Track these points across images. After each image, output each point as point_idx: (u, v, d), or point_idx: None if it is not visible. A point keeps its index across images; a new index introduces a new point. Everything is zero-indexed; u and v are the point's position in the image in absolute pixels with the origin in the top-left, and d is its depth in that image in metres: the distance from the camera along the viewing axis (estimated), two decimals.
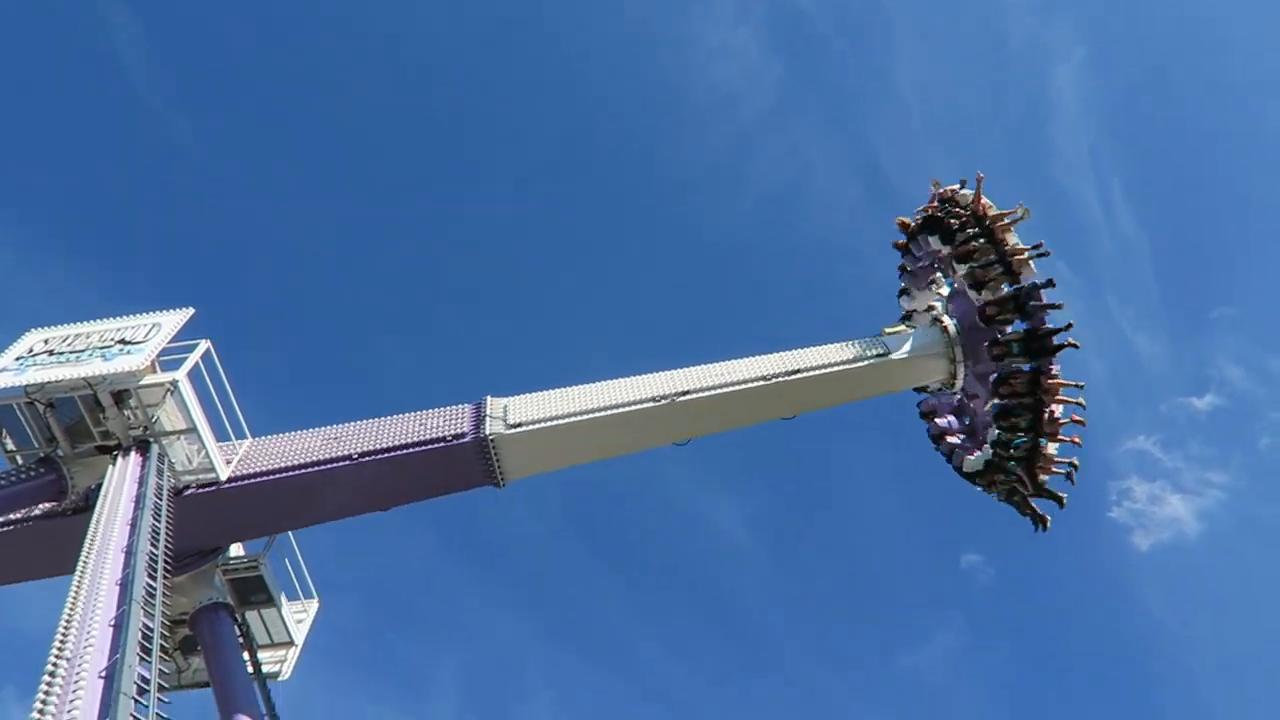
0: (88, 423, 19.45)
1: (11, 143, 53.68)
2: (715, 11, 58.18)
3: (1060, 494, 20.21)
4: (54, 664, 11.58)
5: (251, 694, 19.97)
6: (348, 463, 20.15)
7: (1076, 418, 20.16)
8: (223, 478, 20.06)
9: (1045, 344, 19.76)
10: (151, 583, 13.67)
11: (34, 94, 53.81)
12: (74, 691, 10.96)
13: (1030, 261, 20.10)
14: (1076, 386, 20.02)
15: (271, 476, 20.27)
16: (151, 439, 19.28)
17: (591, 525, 55.50)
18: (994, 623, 55.64)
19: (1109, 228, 56.31)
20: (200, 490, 20.05)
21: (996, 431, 20.12)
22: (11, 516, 19.79)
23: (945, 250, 21.10)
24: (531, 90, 58.26)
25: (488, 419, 20.45)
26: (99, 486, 18.15)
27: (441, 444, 20.23)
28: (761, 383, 20.57)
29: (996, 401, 20.08)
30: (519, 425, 20.29)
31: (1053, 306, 19.88)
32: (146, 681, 11.31)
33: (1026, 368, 19.90)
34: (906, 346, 21.36)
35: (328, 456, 20.39)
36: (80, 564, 14.32)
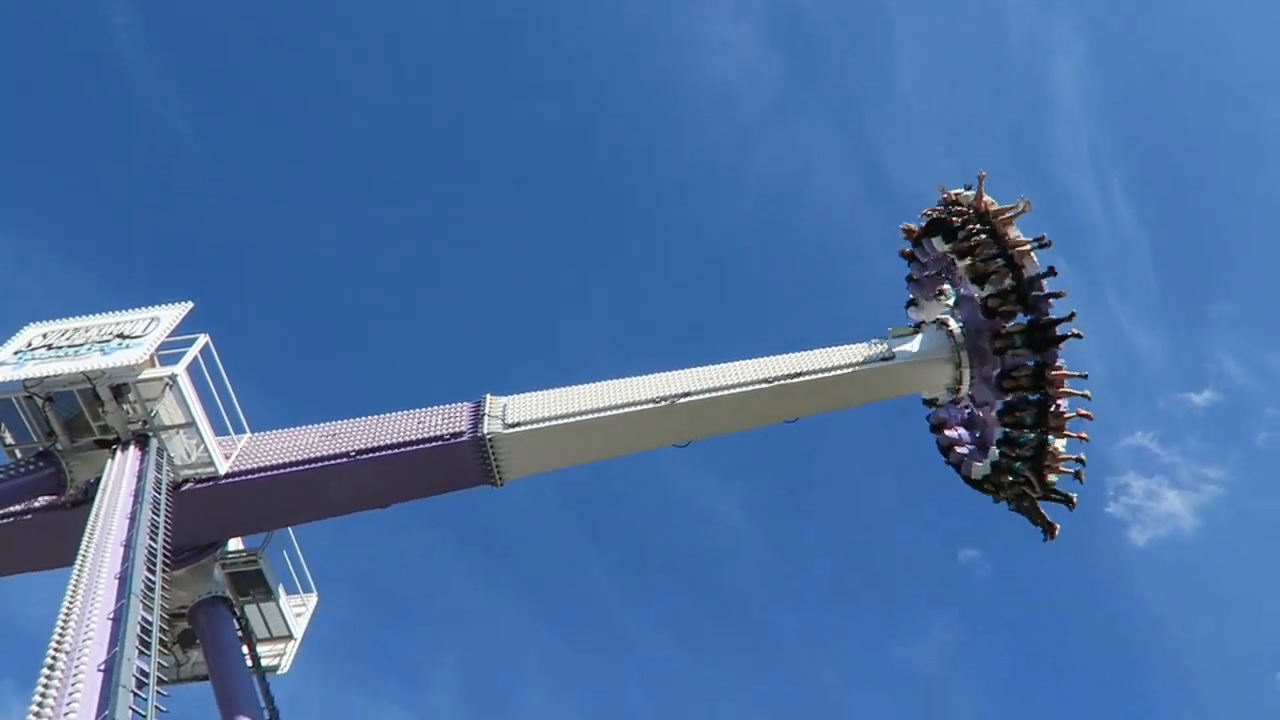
0: (86, 417, 19.46)
1: (11, 138, 53.66)
2: (715, 8, 58.16)
3: (1069, 494, 19.79)
4: (53, 657, 11.62)
5: (250, 687, 20.01)
6: (345, 460, 20.10)
7: (1083, 412, 19.78)
8: (221, 472, 20.07)
9: (1048, 334, 19.40)
10: (150, 576, 13.71)
11: (33, 89, 53.81)
12: (73, 684, 10.99)
13: (1032, 253, 19.72)
14: (1080, 377, 19.55)
15: (269, 473, 20.26)
16: (150, 433, 19.30)
17: (589, 514, 55.61)
18: (990, 617, 55.80)
19: (1108, 224, 56.36)
20: (199, 485, 20.08)
21: (1002, 430, 19.72)
22: (10, 509, 19.80)
23: (948, 248, 20.71)
24: (530, 86, 58.25)
25: (486, 418, 20.32)
26: (98, 480, 18.18)
27: (439, 443, 20.15)
28: (763, 386, 20.28)
29: (1002, 399, 19.74)
30: (517, 425, 20.16)
31: (1055, 295, 19.53)
32: (145, 674, 11.34)
33: (1031, 362, 19.55)
34: (911, 351, 20.94)
35: (325, 454, 20.34)
36: (79, 557, 14.36)
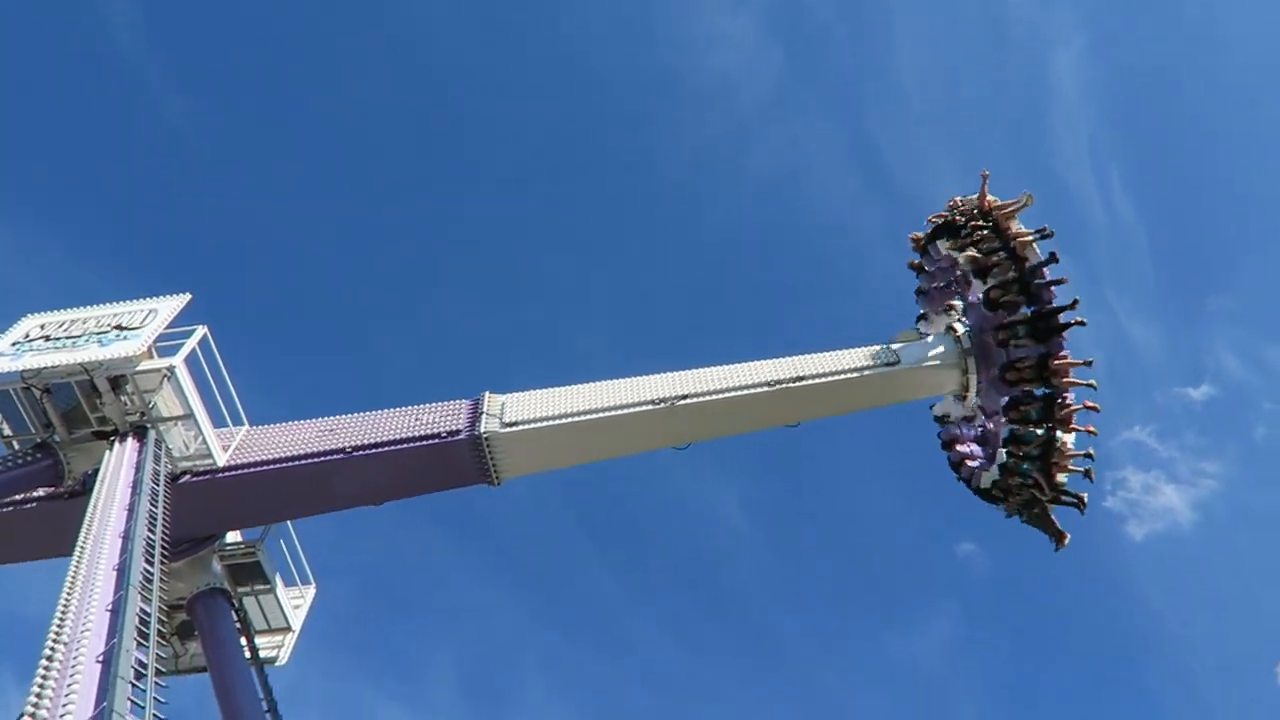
0: (84, 408, 19.43)
1: (9, 128, 53.52)
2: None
3: (1080, 495, 19.38)
4: (51, 648, 11.59)
5: (249, 679, 20.05)
6: (341, 456, 19.95)
7: (1090, 404, 19.35)
8: (220, 464, 20.06)
9: (1051, 323, 19.07)
10: (149, 568, 13.69)
11: (32, 82, 53.65)
12: (71, 675, 10.97)
13: (1034, 244, 19.54)
14: (1085, 365, 19.16)
15: (265, 467, 20.18)
16: (148, 425, 19.27)
17: (587, 509, 55.59)
18: (988, 611, 55.89)
19: (1107, 217, 56.33)
20: (196, 478, 20.06)
21: (1009, 428, 19.37)
22: (8, 499, 19.79)
23: (951, 244, 20.58)
24: (528, 79, 58.09)
25: (484, 416, 20.07)
26: (96, 472, 18.16)
27: (435, 441, 19.92)
28: (765, 389, 19.94)
29: (1007, 394, 19.40)
30: (515, 424, 19.88)
31: (1057, 282, 19.24)
32: (144, 666, 11.33)
33: (1034, 352, 19.17)
34: (917, 356, 20.55)
35: (321, 449, 20.20)
36: (77, 549, 14.34)
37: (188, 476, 19.98)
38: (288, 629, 23.12)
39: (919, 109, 57.69)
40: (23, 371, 19.14)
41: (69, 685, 10.82)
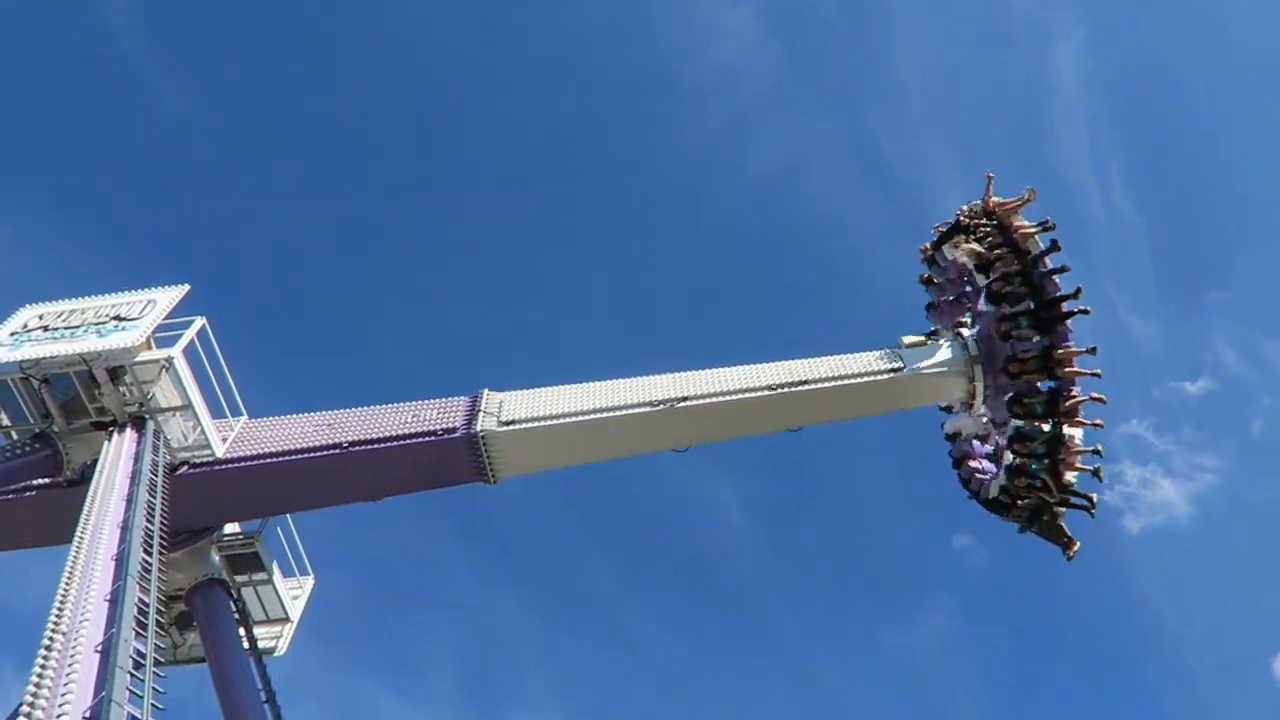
0: (83, 399, 19.46)
1: (7, 118, 53.39)
2: None
3: (1089, 496, 18.85)
4: (50, 638, 11.63)
5: (247, 669, 20.10)
6: (337, 452, 19.86)
7: (1095, 395, 18.83)
8: (218, 454, 20.06)
9: (1055, 311, 18.63)
10: (147, 558, 13.71)
11: (30, 71, 53.49)
12: (70, 665, 11.01)
13: (1036, 236, 19.25)
14: (1089, 352, 18.65)
15: (263, 461, 20.14)
16: (147, 415, 19.29)
17: (587, 505, 55.66)
18: (985, 604, 56.02)
19: (1107, 211, 56.26)
20: (194, 469, 20.07)
21: (1014, 427, 18.92)
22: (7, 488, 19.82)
23: (955, 240, 20.28)
24: (526, 72, 57.94)
25: (481, 414, 19.86)
26: (94, 462, 18.18)
27: (431, 438, 19.77)
28: (766, 393, 19.53)
29: (1011, 389, 19.01)
30: (512, 423, 19.68)
31: (1059, 271, 18.86)
32: (142, 656, 11.35)
33: (1039, 342, 18.78)
34: (923, 362, 20.02)
35: (317, 444, 20.12)
36: (76, 539, 14.37)
37: (186, 468, 20.00)
38: (286, 620, 23.16)
39: (919, 104, 57.62)
40: (21, 362, 19.16)
41: (68, 675, 10.86)
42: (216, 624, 20.65)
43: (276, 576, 22.85)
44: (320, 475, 20.32)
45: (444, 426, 19.90)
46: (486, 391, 20.59)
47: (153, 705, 10.72)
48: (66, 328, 19.89)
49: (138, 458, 17.47)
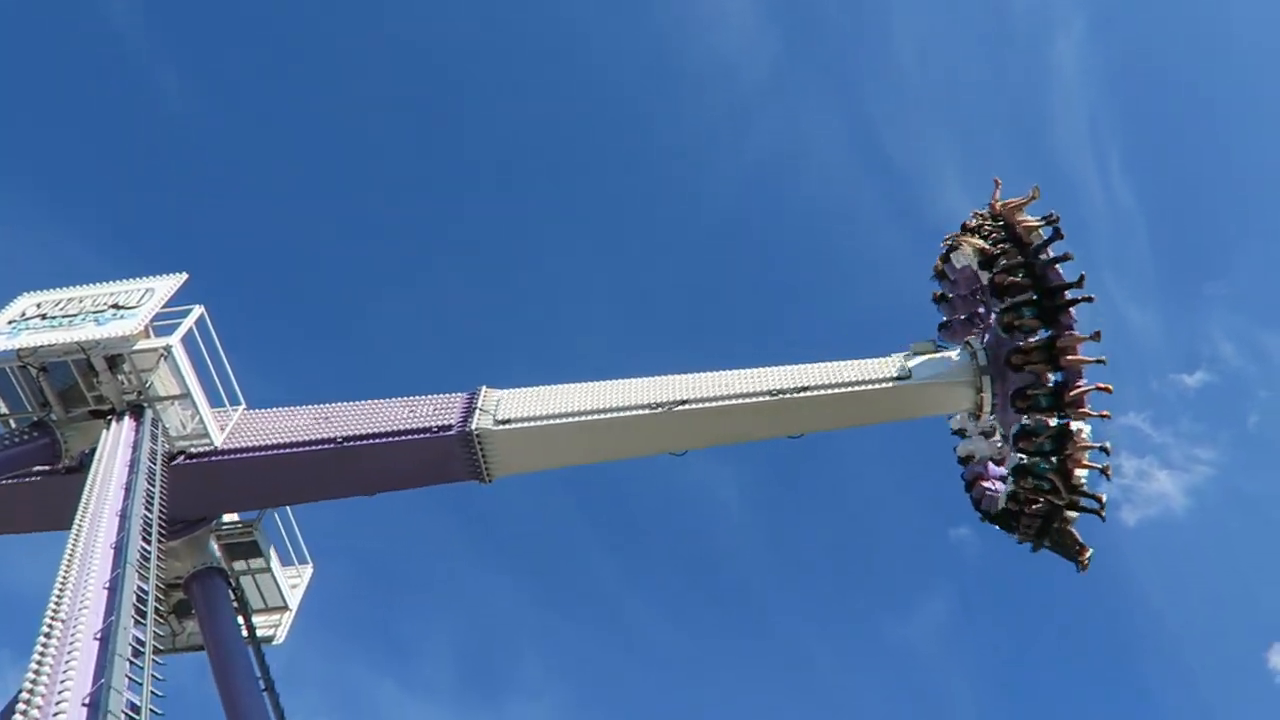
0: (81, 387, 19.47)
1: (6, 107, 53.21)
2: None
3: (1099, 497, 18.17)
4: (49, 625, 11.65)
5: (246, 658, 20.17)
6: (332, 447, 19.77)
7: (1102, 385, 18.18)
8: (217, 443, 20.06)
9: (1058, 299, 18.09)
10: (146, 546, 13.72)
11: (28, 59, 53.29)
12: (69, 653, 11.02)
13: (1039, 229, 18.84)
14: (1093, 339, 17.97)
15: (258, 454, 20.10)
16: (145, 404, 19.29)
17: (585, 492, 55.70)
18: (982, 594, 56.15)
19: (1106, 201, 56.14)
20: (191, 459, 20.06)
21: (1019, 424, 18.28)
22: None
23: (959, 236, 19.81)
24: (523, 64, 57.75)
25: (478, 412, 19.64)
26: (93, 451, 18.19)
27: (426, 435, 19.62)
28: (767, 399, 19.06)
29: (1015, 384, 18.44)
30: (508, 422, 19.46)
31: (1062, 259, 18.24)
32: (141, 644, 11.37)
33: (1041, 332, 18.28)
34: (930, 371, 19.44)
35: (311, 439, 20.04)
36: (75, 527, 14.39)
37: (183, 457, 20.00)
38: (285, 608, 23.23)
39: (919, 94, 57.43)
40: (19, 350, 19.15)
41: (67, 662, 10.88)
42: (215, 612, 20.71)
43: (275, 565, 22.91)
44: (315, 470, 20.25)
45: (439, 424, 19.71)
46: (485, 389, 20.41)
47: (152, 692, 10.74)
48: (64, 316, 19.87)
49: (136, 446, 17.48)
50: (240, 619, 21.24)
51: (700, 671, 54.24)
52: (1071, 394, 18.12)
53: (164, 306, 19.90)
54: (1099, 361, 18.16)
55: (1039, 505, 18.47)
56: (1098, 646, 53.67)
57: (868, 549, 56.10)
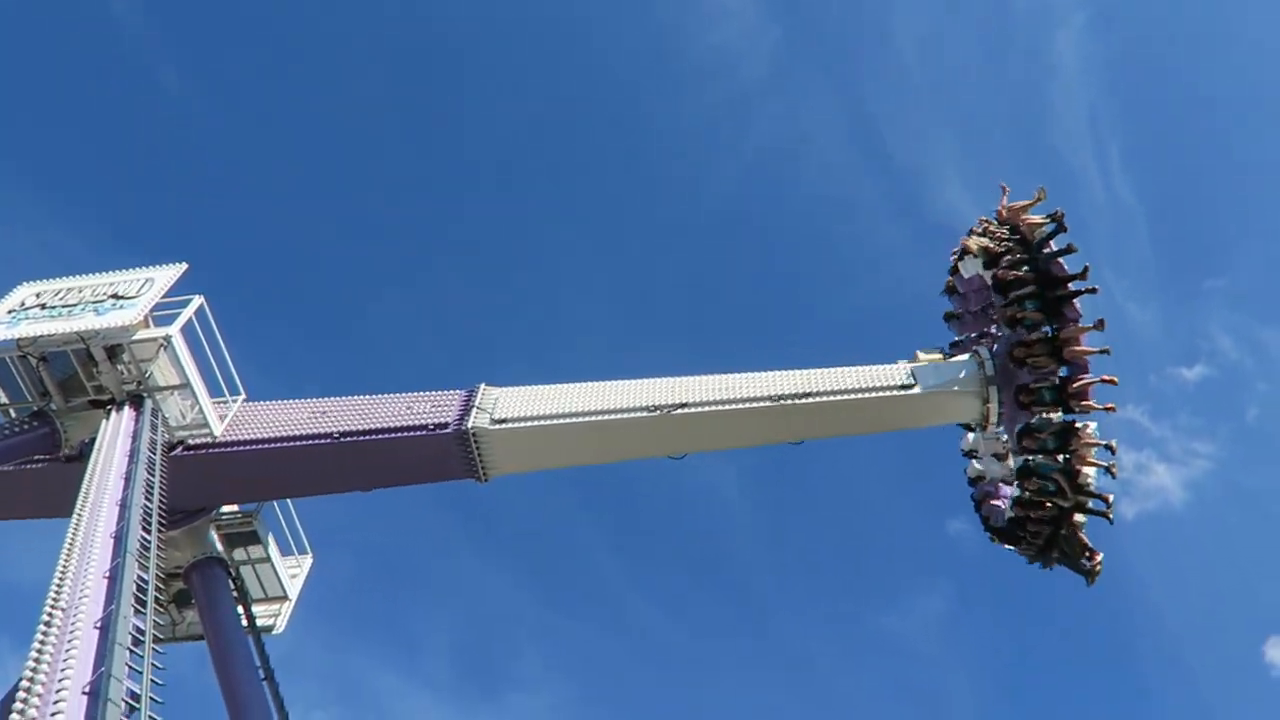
0: (81, 377, 19.47)
1: (4, 100, 53.09)
2: None
3: (1106, 497, 17.93)
4: (50, 614, 11.68)
5: (246, 647, 20.22)
6: (327, 442, 19.68)
7: (1106, 378, 17.82)
8: (217, 433, 20.08)
9: (1061, 291, 17.80)
10: (146, 536, 13.75)
11: (26, 48, 53.15)
12: (69, 641, 11.06)
13: (1043, 226, 18.62)
14: (1097, 328, 17.65)
15: (255, 447, 20.07)
16: (145, 394, 19.30)
17: (585, 486, 55.82)
18: (979, 587, 56.26)
19: (1106, 196, 56.09)
20: (189, 451, 20.07)
21: (1022, 422, 18.10)
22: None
23: (965, 240, 19.68)
24: (523, 57, 57.59)
25: (475, 410, 19.47)
26: (92, 440, 18.21)
27: (422, 432, 19.50)
28: (768, 404, 18.71)
29: (1018, 380, 18.23)
30: (505, 421, 19.29)
31: (1065, 252, 18.06)
32: (141, 633, 11.40)
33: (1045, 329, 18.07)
34: (936, 380, 19.04)
35: (309, 433, 19.95)
36: (75, 516, 14.42)
37: (182, 448, 20.02)
38: (285, 598, 23.28)
39: (919, 87, 57.26)
40: (19, 339, 19.15)
41: (67, 650, 10.91)
42: (215, 602, 20.77)
43: (275, 555, 22.95)
44: (312, 464, 20.21)
45: (436, 421, 19.56)
46: (483, 386, 20.21)
47: (152, 681, 10.77)
48: (64, 306, 19.88)
49: (136, 436, 17.50)
50: (240, 608, 21.29)
51: (699, 667, 54.40)
52: (1075, 385, 17.85)
53: (164, 297, 19.90)
54: (1103, 351, 17.94)
55: (1046, 510, 18.17)
56: (1095, 640, 53.77)
57: (865, 542, 56.19)
